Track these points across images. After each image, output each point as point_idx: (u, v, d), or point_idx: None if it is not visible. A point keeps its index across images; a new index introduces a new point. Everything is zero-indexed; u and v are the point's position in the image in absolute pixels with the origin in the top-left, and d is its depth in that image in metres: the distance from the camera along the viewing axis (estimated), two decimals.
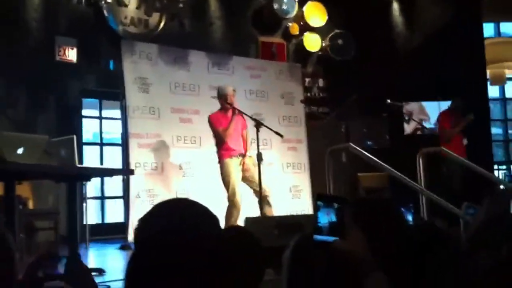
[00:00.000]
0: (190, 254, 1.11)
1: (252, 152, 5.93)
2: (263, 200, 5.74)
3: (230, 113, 5.81)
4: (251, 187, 5.93)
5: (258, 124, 5.82)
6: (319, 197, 1.21)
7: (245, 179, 5.89)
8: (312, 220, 1.23)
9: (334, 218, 1.18)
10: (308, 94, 8.49)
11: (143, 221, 1.19)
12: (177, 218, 1.16)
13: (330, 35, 8.56)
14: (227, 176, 5.77)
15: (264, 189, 5.78)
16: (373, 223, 1.28)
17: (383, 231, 1.35)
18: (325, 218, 1.18)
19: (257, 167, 5.64)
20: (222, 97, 5.93)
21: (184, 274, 1.10)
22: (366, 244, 1.14)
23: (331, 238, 1.15)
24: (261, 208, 5.77)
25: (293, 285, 1.38)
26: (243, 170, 5.84)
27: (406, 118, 7.88)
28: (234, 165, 5.79)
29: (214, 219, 1.20)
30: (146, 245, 1.16)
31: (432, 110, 7.97)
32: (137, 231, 1.18)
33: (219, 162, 5.85)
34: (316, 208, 1.19)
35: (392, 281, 1.16)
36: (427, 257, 1.79)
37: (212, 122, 5.84)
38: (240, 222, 5.63)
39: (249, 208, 5.91)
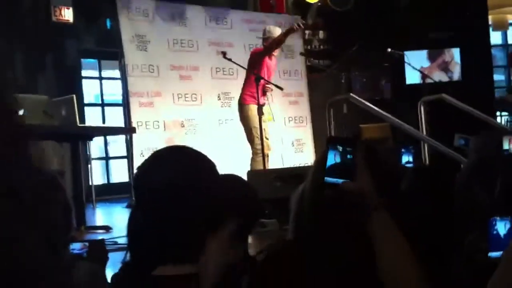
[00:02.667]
0: (186, 202, 1.13)
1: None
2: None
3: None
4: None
5: (258, 78, 5.80)
6: (329, 139, 1.22)
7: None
8: (320, 162, 1.25)
9: (344, 160, 1.20)
10: (308, 47, 8.40)
11: (141, 169, 1.20)
12: (174, 165, 1.17)
13: None
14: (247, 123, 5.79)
15: (268, 146, 5.84)
16: (380, 166, 1.32)
17: (389, 174, 1.40)
18: (335, 160, 1.20)
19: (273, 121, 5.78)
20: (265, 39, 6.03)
21: (179, 223, 1.12)
22: (374, 186, 1.18)
23: (340, 180, 1.17)
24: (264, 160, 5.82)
25: (300, 227, 1.41)
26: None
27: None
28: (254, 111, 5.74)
29: (211, 164, 1.22)
30: (144, 193, 1.18)
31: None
32: (135, 179, 1.20)
33: (240, 105, 5.88)
34: (327, 150, 1.21)
35: (396, 221, 1.20)
36: (428, 197, 1.84)
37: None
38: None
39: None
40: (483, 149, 2.42)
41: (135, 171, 1.21)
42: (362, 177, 1.17)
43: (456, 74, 7.51)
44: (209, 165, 1.21)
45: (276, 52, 6.08)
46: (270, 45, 5.98)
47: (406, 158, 4.55)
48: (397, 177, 1.81)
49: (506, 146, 2.61)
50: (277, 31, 6.08)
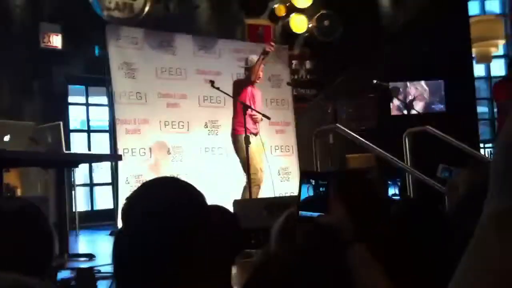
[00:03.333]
0: (174, 233, 1.13)
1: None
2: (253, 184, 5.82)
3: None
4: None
5: (245, 107, 5.86)
6: (303, 174, 1.23)
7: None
8: (297, 196, 1.25)
9: (317, 194, 1.21)
10: (295, 76, 8.49)
11: (129, 200, 1.21)
12: (162, 197, 1.19)
13: (316, 16, 8.54)
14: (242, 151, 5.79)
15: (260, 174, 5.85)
16: (355, 196, 1.31)
17: (365, 205, 1.38)
18: (310, 194, 1.21)
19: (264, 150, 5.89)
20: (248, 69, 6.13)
21: (165, 253, 1.13)
22: (349, 218, 1.17)
23: (315, 214, 1.18)
24: (250, 191, 5.83)
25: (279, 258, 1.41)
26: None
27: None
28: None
29: (199, 196, 1.23)
30: (131, 223, 1.18)
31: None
32: (125, 209, 1.20)
33: (233, 141, 5.93)
34: (300, 184, 1.22)
35: (374, 253, 1.19)
36: (412, 228, 1.84)
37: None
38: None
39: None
40: (472, 182, 2.44)
41: (124, 201, 1.22)
42: (336, 210, 1.17)
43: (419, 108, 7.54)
44: (197, 197, 1.22)
45: (258, 80, 6.12)
46: (251, 72, 6.05)
47: (392, 191, 4.57)
48: (381, 208, 1.80)
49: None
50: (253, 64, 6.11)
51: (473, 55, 8.92)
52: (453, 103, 7.94)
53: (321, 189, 1.21)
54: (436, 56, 8.08)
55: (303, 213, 1.19)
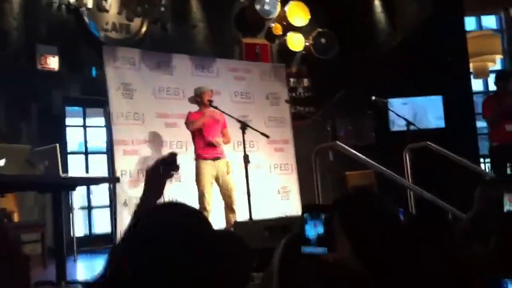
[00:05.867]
0: (179, 259, 1.08)
1: (239, 154, 5.93)
2: (228, 207, 5.88)
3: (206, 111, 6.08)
4: (220, 191, 6.08)
5: (244, 126, 5.83)
6: (306, 208, 1.18)
7: (217, 183, 6.05)
8: (300, 231, 1.19)
9: (321, 229, 1.15)
10: (293, 94, 8.48)
11: (134, 226, 1.17)
12: (167, 223, 1.14)
13: (313, 34, 8.56)
14: (199, 177, 5.95)
15: (230, 195, 5.98)
16: (361, 228, 1.25)
17: (372, 236, 1.32)
18: (313, 229, 1.15)
19: (230, 174, 6.02)
20: (198, 96, 6.14)
21: (171, 279, 1.07)
22: (354, 255, 1.11)
23: (319, 250, 1.11)
24: (226, 215, 5.89)
25: None
26: (217, 174, 6.01)
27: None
28: (208, 167, 5.95)
29: (205, 222, 1.18)
30: (134, 248, 1.13)
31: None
32: (127, 238, 1.15)
33: (195, 161, 6.03)
34: (303, 220, 1.16)
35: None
36: (420, 254, 1.77)
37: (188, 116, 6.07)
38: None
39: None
40: (482, 201, 2.38)
41: (127, 228, 1.17)
42: (342, 246, 1.11)
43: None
44: (204, 223, 1.17)
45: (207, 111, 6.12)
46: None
47: None
48: (389, 232, 1.72)
49: (506, 205, 2.51)
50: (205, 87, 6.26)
51: (471, 70, 8.91)
52: (451, 118, 7.91)
53: (323, 223, 1.15)
54: (434, 71, 8.08)
55: (306, 249, 1.13)
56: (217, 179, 6.04)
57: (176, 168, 1.65)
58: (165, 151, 6.66)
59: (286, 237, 1.48)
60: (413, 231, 1.96)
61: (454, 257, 1.76)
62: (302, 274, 1.22)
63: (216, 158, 6.03)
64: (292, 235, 1.34)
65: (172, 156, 1.67)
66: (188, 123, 6.09)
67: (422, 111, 8.02)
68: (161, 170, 1.67)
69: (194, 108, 6.25)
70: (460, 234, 2.22)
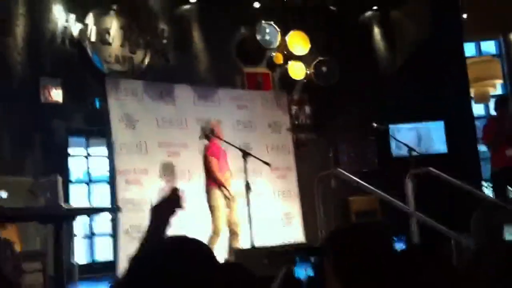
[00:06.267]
0: None
1: (241, 182, 5.97)
2: (233, 236, 5.94)
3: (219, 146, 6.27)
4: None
5: (245, 154, 5.89)
6: (298, 252, 1.19)
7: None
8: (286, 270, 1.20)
9: (311, 273, 1.16)
10: (296, 122, 8.53)
11: (135, 260, 1.18)
12: (171, 258, 1.15)
13: (314, 63, 8.65)
14: (214, 204, 6.10)
15: (236, 224, 6.11)
16: (352, 270, 1.25)
17: (364, 278, 1.32)
18: (303, 272, 1.17)
19: (236, 203, 6.17)
20: (209, 131, 6.32)
21: None
22: None
23: None
24: (233, 244, 5.96)
25: None
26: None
27: None
28: (220, 195, 6.11)
29: (211, 256, 1.20)
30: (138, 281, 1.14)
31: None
32: (132, 269, 1.17)
33: (207, 191, 6.11)
34: (295, 262, 1.17)
35: None
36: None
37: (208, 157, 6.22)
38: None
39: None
40: (481, 233, 2.38)
41: (125, 260, 1.18)
42: None
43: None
44: (210, 257, 1.19)
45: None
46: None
47: (398, 247, 4.49)
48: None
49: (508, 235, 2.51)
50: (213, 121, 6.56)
51: (472, 95, 8.96)
52: (454, 143, 7.92)
53: (313, 267, 1.16)
54: (435, 97, 8.12)
55: None
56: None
57: (180, 205, 1.68)
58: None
59: (285, 267, 1.50)
60: (412, 261, 1.96)
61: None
62: None
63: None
64: (291, 265, 1.35)
65: (175, 193, 1.70)
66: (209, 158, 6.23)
67: (427, 136, 8.05)
68: (165, 208, 1.69)
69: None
70: (464, 266, 2.22)
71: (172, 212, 1.69)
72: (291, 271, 1.21)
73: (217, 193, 6.14)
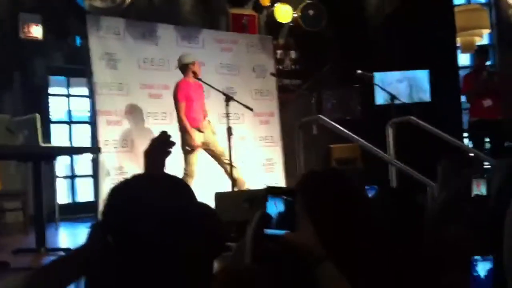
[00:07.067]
0: (157, 228, 1.09)
1: (223, 126, 5.95)
2: (229, 167, 5.91)
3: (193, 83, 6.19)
4: (212, 156, 6.21)
5: (228, 99, 5.84)
6: (268, 190, 1.19)
7: (206, 147, 6.20)
8: (261, 213, 1.20)
9: (283, 211, 1.16)
10: (280, 67, 8.44)
11: (113, 191, 1.16)
12: (149, 191, 1.14)
13: (301, 6, 8.49)
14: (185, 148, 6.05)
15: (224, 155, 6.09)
16: (323, 212, 1.26)
17: (334, 219, 1.33)
18: (275, 211, 1.16)
19: (216, 135, 6.18)
20: (185, 65, 6.22)
21: (145, 248, 1.09)
22: (316, 235, 1.12)
23: (281, 232, 1.12)
24: (233, 182, 5.87)
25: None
26: (204, 140, 6.18)
27: None
28: (195, 135, 6.07)
29: (190, 191, 1.19)
30: (113, 214, 1.13)
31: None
32: (107, 201, 1.15)
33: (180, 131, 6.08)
34: (266, 201, 1.17)
35: (345, 270, 1.15)
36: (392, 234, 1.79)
37: (177, 91, 6.11)
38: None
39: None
40: (450, 188, 2.43)
41: (106, 197, 1.16)
42: (304, 227, 1.12)
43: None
44: (188, 192, 1.18)
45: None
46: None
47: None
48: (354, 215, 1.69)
49: (474, 190, 2.58)
50: (191, 58, 6.37)
51: (458, 45, 8.90)
52: (437, 93, 7.92)
53: (285, 206, 1.15)
54: (421, 45, 8.05)
55: (268, 231, 1.14)
56: (206, 145, 6.18)
57: (171, 144, 1.69)
58: (149, 122, 6.66)
59: (261, 209, 1.50)
60: (384, 208, 1.98)
61: (423, 238, 1.79)
62: (264, 255, 1.23)
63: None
64: (262, 213, 1.35)
65: (164, 135, 1.70)
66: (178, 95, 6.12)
67: (412, 85, 8.02)
68: (157, 149, 1.70)
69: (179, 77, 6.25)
70: (430, 219, 2.26)
71: (165, 153, 1.69)
72: (267, 213, 1.21)
73: (190, 136, 6.05)
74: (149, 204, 1.11)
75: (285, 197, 1.17)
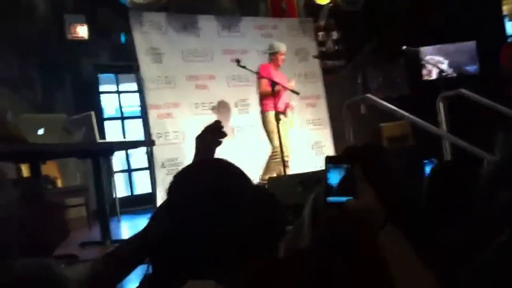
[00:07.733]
0: (220, 215, 1.12)
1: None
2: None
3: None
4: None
5: (273, 84, 5.85)
6: (328, 159, 1.19)
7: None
8: (323, 182, 1.21)
9: (344, 178, 1.16)
10: (323, 49, 8.38)
11: (176, 178, 1.21)
12: (209, 178, 1.18)
13: None
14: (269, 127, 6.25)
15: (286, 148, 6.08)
16: (382, 178, 1.26)
17: (393, 184, 1.34)
18: (336, 178, 1.17)
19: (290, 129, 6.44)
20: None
21: (210, 236, 1.12)
22: (378, 200, 1.13)
23: (343, 199, 1.13)
24: (284, 167, 5.91)
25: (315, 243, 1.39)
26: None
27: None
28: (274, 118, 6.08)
29: (246, 179, 1.22)
30: (178, 204, 1.18)
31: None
32: (170, 187, 1.20)
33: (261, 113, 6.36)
34: (326, 170, 1.18)
35: (407, 233, 1.15)
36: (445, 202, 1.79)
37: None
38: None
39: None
40: (504, 149, 2.36)
41: (169, 183, 1.21)
42: (365, 193, 1.13)
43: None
44: (244, 177, 1.22)
45: (280, 63, 6.53)
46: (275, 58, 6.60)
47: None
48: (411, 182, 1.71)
49: None
50: (281, 47, 6.57)
51: (504, 13, 8.62)
52: (485, 64, 7.71)
53: (346, 173, 1.16)
54: (466, 17, 7.84)
55: (330, 199, 1.15)
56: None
57: (223, 134, 1.72)
58: (198, 113, 6.74)
59: (315, 190, 1.51)
60: (439, 177, 1.97)
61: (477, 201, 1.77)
62: (326, 224, 1.25)
63: None
64: (321, 188, 1.36)
65: (217, 124, 1.73)
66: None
67: (459, 57, 7.84)
68: (208, 138, 1.73)
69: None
70: (484, 183, 2.21)
71: (215, 142, 1.72)
72: (323, 193, 1.21)
73: (270, 116, 6.16)
74: (210, 187, 1.15)
75: (345, 165, 1.17)
